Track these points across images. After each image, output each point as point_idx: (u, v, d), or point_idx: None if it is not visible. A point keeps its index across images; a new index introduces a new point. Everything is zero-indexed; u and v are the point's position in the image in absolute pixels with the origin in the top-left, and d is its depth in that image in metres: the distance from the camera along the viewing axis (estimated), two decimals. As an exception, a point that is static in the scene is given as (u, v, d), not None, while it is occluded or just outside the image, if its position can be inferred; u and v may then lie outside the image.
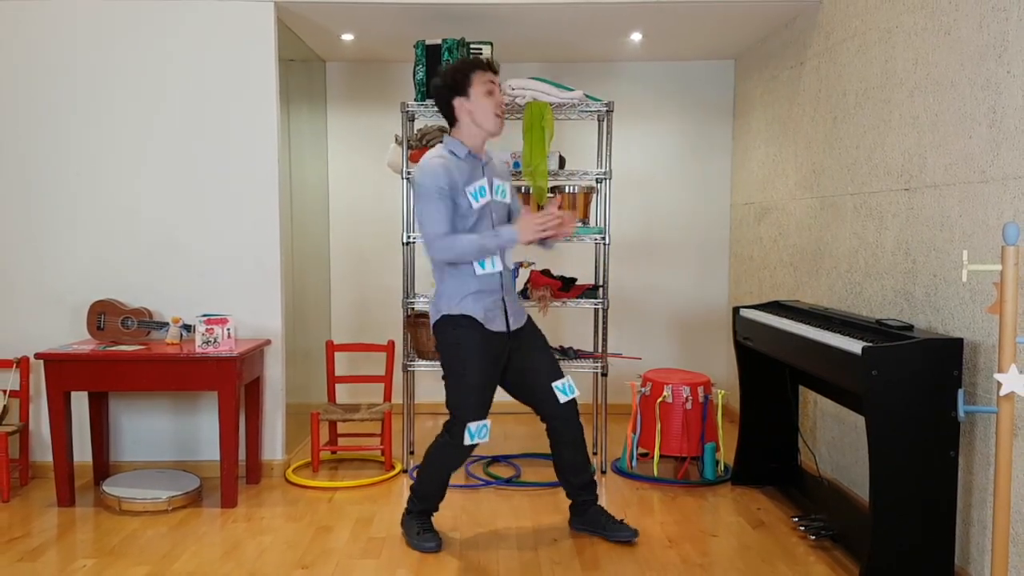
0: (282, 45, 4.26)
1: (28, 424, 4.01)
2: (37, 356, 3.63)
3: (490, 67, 3.13)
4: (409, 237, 4.19)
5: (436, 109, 4.12)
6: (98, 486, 3.93)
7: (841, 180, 3.74)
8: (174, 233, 4.08)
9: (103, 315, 3.92)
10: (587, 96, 4.12)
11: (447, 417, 3.21)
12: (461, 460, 3.20)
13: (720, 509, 3.67)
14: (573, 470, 3.30)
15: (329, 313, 5.43)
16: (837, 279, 3.78)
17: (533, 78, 4.19)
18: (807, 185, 4.13)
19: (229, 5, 3.99)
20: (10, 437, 3.91)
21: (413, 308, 4.26)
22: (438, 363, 4.14)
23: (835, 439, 3.83)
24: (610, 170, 4.14)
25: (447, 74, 3.12)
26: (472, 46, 4.08)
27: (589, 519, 3.34)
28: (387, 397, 4.45)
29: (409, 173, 4.14)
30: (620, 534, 3.25)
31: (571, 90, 4.11)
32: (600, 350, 4.25)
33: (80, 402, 4.07)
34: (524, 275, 4.40)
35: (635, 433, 4.15)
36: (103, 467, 4.04)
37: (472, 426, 3.11)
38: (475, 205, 3.10)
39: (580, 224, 4.25)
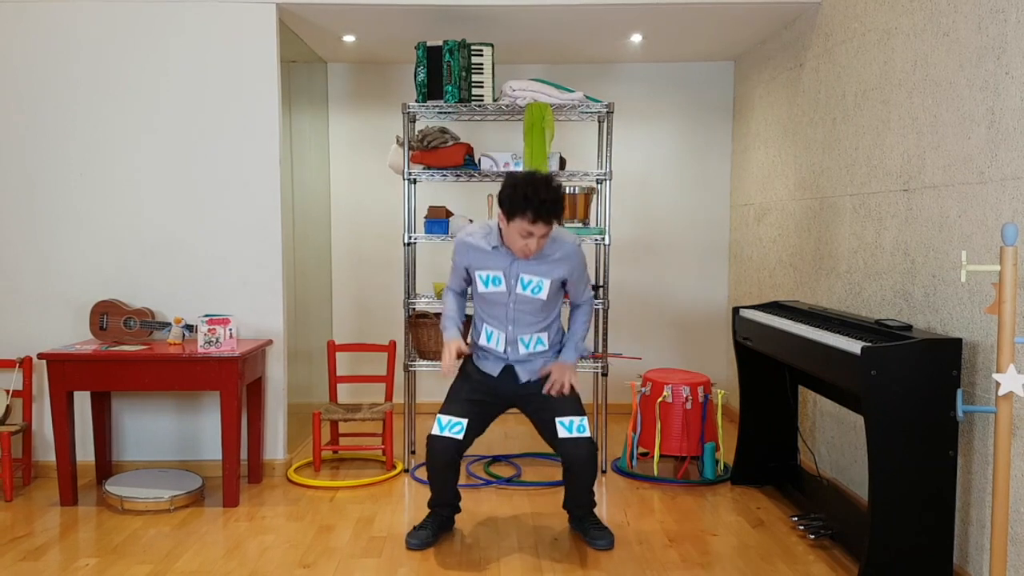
0: (284, 46, 4.28)
1: (31, 424, 4.02)
2: (40, 356, 3.64)
3: (539, 216, 2.91)
4: (410, 238, 4.21)
5: (437, 110, 4.14)
6: (100, 485, 3.95)
7: (840, 181, 3.76)
8: (176, 234, 4.09)
9: (106, 315, 3.94)
10: (587, 97, 4.13)
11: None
12: (435, 452, 3.15)
13: (720, 508, 3.69)
14: (571, 499, 3.30)
15: (330, 313, 5.45)
16: (836, 279, 3.80)
17: (534, 79, 4.20)
18: (806, 186, 4.14)
19: (231, 7, 4.01)
20: (13, 437, 3.93)
21: (414, 308, 4.27)
22: (439, 363, 4.16)
23: (834, 439, 3.84)
24: (610, 171, 4.16)
25: (504, 188, 2.98)
26: (473, 47, 4.09)
27: (576, 520, 3.37)
28: (388, 397, 4.47)
29: (410, 174, 4.16)
30: (597, 542, 3.24)
31: (571, 91, 4.13)
32: (600, 350, 4.27)
33: (83, 402, 4.08)
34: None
35: (635, 433, 4.16)
36: (105, 467, 4.05)
37: (442, 418, 3.18)
38: (481, 289, 3.18)
39: (580, 225, 4.26)
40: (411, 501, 3.78)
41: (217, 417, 4.16)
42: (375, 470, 4.23)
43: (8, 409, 3.95)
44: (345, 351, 4.57)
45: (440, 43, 4.05)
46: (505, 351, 3.22)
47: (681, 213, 5.49)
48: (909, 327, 2.89)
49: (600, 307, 4.21)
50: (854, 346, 2.73)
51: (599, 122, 4.42)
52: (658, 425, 4.03)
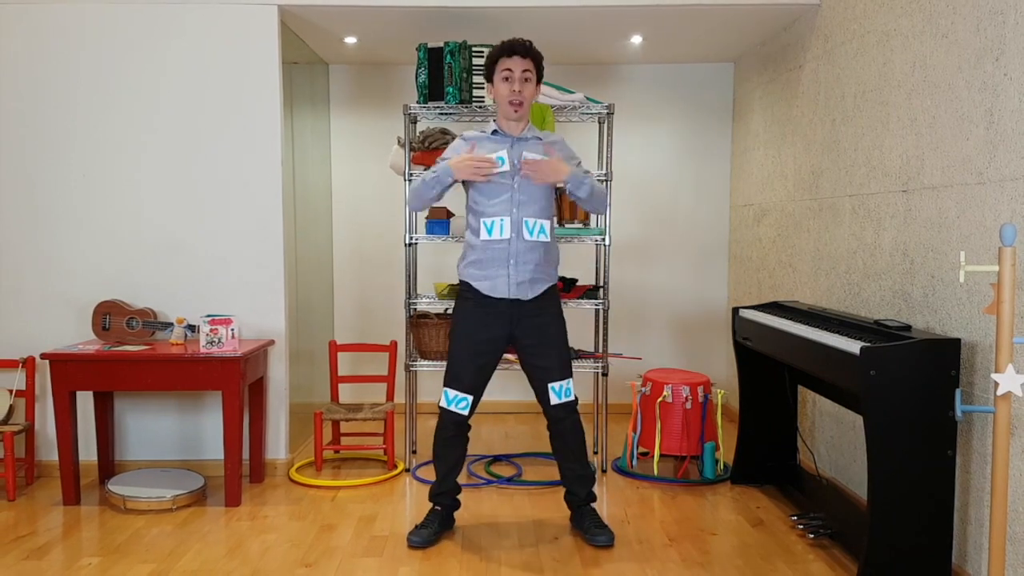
0: (285, 48, 4.29)
1: (34, 423, 4.04)
2: (43, 356, 3.66)
3: (514, 50, 3.16)
4: (411, 238, 4.22)
5: (438, 111, 4.16)
6: (103, 485, 3.96)
7: (839, 182, 3.77)
8: (179, 234, 4.11)
9: (108, 315, 3.95)
10: (588, 98, 4.15)
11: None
12: (445, 428, 3.25)
13: (719, 508, 3.70)
14: (565, 463, 3.34)
15: (332, 314, 5.46)
16: (836, 280, 3.81)
17: (534, 80, 4.21)
18: (806, 187, 4.16)
19: (233, 8, 4.02)
20: (16, 436, 3.94)
21: (415, 309, 4.28)
22: (439, 363, 4.18)
23: (834, 438, 3.85)
24: (611, 172, 4.17)
25: (486, 59, 3.26)
26: (474, 48, 4.11)
27: (576, 517, 3.39)
28: (390, 397, 4.48)
29: (411, 174, 4.17)
30: (597, 538, 3.26)
31: (572, 92, 4.15)
32: (601, 350, 4.28)
33: (85, 402, 4.10)
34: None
35: (635, 432, 4.18)
36: (108, 466, 4.07)
37: (448, 392, 3.24)
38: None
39: (581, 225, 4.28)
40: (412, 500, 3.79)
41: (219, 417, 4.17)
42: (376, 470, 4.24)
43: (11, 409, 3.97)
44: (346, 351, 4.59)
45: (441, 44, 4.06)
46: (510, 238, 3.19)
47: (681, 214, 5.50)
48: (908, 327, 2.90)
49: (600, 307, 4.23)
50: (853, 346, 2.74)
51: (599, 123, 4.43)
52: (658, 425, 4.05)
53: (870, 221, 3.47)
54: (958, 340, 2.69)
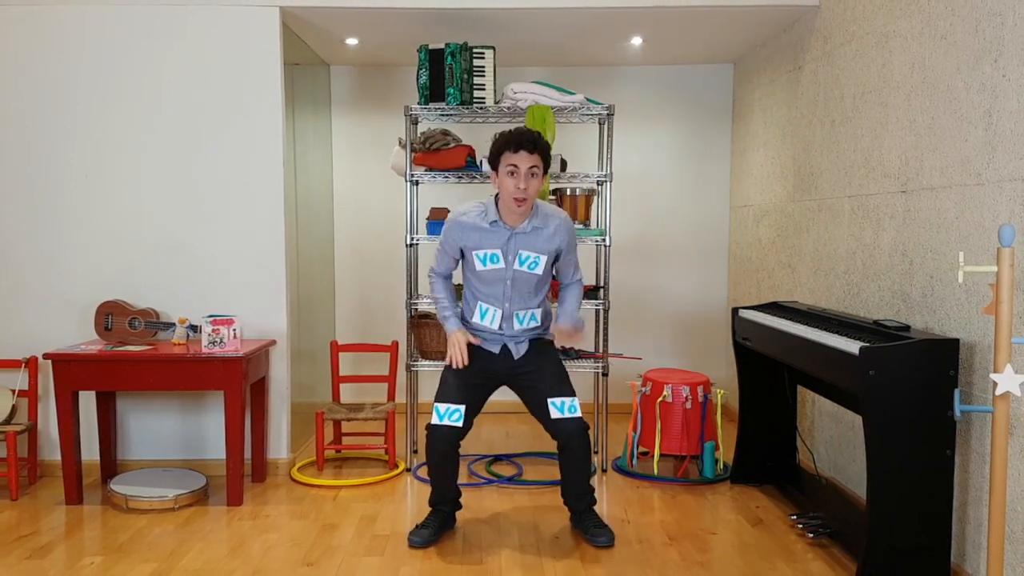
0: (287, 49, 4.30)
1: (36, 423, 4.05)
2: (45, 356, 3.67)
3: (520, 146, 3.09)
4: (412, 239, 4.23)
5: (439, 112, 4.17)
6: (105, 484, 3.97)
7: (839, 182, 3.78)
8: (181, 235, 4.12)
9: (110, 316, 3.96)
10: (588, 100, 4.16)
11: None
12: (436, 441, 3.21)
13: (719, 507, 3.71)
14: (567, 478, 3.33)
15: (333, 314, 5.48)
16: (835, 280, 3.82)
17: (535, 82, 4.23)
18: (805, 187, 4.17)
19: (234, 10, 4.03)
20: (19, 436, 3.96)
21: (416, 309, 4.30)
22: (440, 363, 4.19)
23: (833, 438, 3.87)
24: (611, 173, 4.18)
25: (492, 146, 3.20)
26: (475, 50, 4.12)
27: (576, 517, 3.40)
28: (391, 397, 4.50)
29: (412, 175, 4.18)
30: (597, 538, 3.27)
31: (572, 94, 4.16)
32: (601, 350, 4.30)
33: (88, 402, 4.11)
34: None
35: (635, 432, 4.19)
36: (110, 466, 4.08)
37: (439, 406, 3.23)
38: (479, 268, 3.23)
39: (581, 226, 4.29)
40: (413, 500, 3.81)
41: (221, 417, 4.18)
42: (378, 469, 4.25)
43: (14, 409, 3.98)
44: (348, 351, 4.60)
45: (442, 46, 4.07)
46: (500, 328, 3.28)
47: (681, 214, 5.52)
48: (907, 327, 2.92)
49: (600, 307, 4.24)
50: (852, 346, 2.75)
51: (600, 124, 4.45)
52: (658, 424, 4.06)
53: (869, 222, 3.48)
54: (957, 340, 2.70)
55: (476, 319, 3.31)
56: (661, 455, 4.11)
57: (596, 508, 3.42)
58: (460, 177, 4.19)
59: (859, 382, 2.69)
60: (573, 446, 3.23)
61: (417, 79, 4.13)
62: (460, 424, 3.19)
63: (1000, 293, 2.19)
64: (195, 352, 3.69)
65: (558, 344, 3.30)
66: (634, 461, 4.21)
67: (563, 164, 4.33)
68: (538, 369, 3.30)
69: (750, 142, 5.06)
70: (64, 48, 4.03)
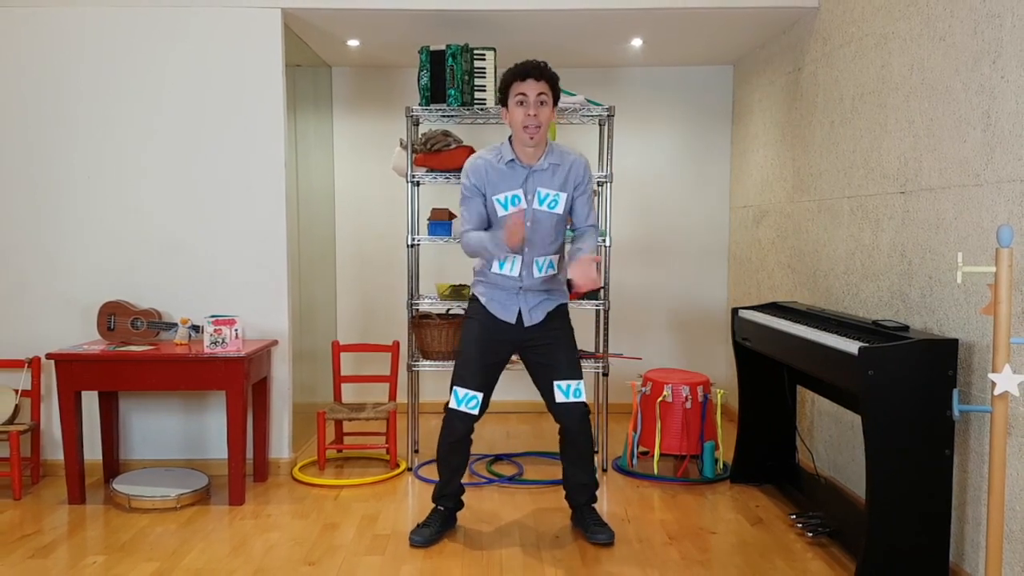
0: (288, 51, 4.32)
1: (39, 423, 4.06)
2: (48, 356, 3.68)
3: (528, 74, 3.09)
4: (413, 240, 4.25)
5: (440, 113, 4.19)
6: (108, 484, 3.98)
7: (838, 183, 3.80)
8: (183, 235, 4.13)
9: (113, 316, 3.98)
10: (588, 101, 4.17)
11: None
12: (452, 429, 3.23)
13: (719, 506, 3.73)
14: (570, 469, 3.36)
15: (335, 314, 5.49)
16: (834, 281, 3.84)
17: (536, 83, 4.23)
18: (805, 188, 4.18)
19: (236, 12, 4.05)
20: (22, 436, 3.97)
21: (417, 309, 4.31)
22: (441, 363, 4.21)
23: (832, 438, 3.88)
24: (611, 173, 4.20)
25: (499, 83, 3.21)
26: (476, 51, 4.13)
27: (577, 516, 3.42)
28: (392, 396, 4.51)
29: (413, 176, 4.20)
30: (597, 536, 3.29)
31: (573, 95, 4.17)
32: (601, 350, 4.31)
33: (90, 401, 4.12)
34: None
35: (636, 432, 4.20)
36: (113, 465, 4.09)
37: (458, 391, 3.23)
38: (501, 214, 3.20)
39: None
40: (415, 499, 3.82)
41: (223, 416, 4.20)
42: (379, 469, 4.26)
43: (17, 408, 3.99)
44: (349, 351, 4.61)
45: (443, 47, 4.09)
46: (520, 275, 3.24)
47: (681, 215, 5.53)
48: (906, 328, 2.93)
49: (601, 307, 4.25)
50: (852, 346, 2.76)
51: (600, 125, 4.46)
52: (658, 424, 4.07)
53: (868, 222, 3.50)
54: (955, 340, 2.71)
55: (495, 268, 3.25)
56: (661, 455, 4.12)
57: (596, 507, 3.44)
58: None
59: (858, 382, 2.70)
60: (574, 430, 3.28)
61: (418, 80, 4.14)
62: (476, 412, 3.24)
63: (998, 293, 2.20)
64: (197, 352, 3.71)
65: (577, 283, 3.10)
66: (634, 461, 4.23)
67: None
68: (552, 344, 3.28)
69: (750, 143, 5.07)
70: (66, 49, 4.05)
